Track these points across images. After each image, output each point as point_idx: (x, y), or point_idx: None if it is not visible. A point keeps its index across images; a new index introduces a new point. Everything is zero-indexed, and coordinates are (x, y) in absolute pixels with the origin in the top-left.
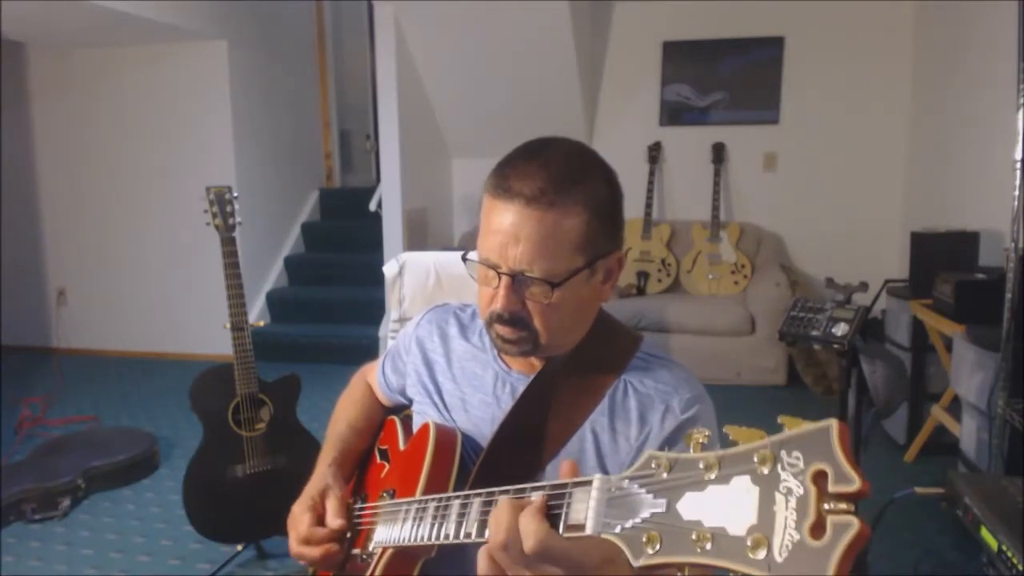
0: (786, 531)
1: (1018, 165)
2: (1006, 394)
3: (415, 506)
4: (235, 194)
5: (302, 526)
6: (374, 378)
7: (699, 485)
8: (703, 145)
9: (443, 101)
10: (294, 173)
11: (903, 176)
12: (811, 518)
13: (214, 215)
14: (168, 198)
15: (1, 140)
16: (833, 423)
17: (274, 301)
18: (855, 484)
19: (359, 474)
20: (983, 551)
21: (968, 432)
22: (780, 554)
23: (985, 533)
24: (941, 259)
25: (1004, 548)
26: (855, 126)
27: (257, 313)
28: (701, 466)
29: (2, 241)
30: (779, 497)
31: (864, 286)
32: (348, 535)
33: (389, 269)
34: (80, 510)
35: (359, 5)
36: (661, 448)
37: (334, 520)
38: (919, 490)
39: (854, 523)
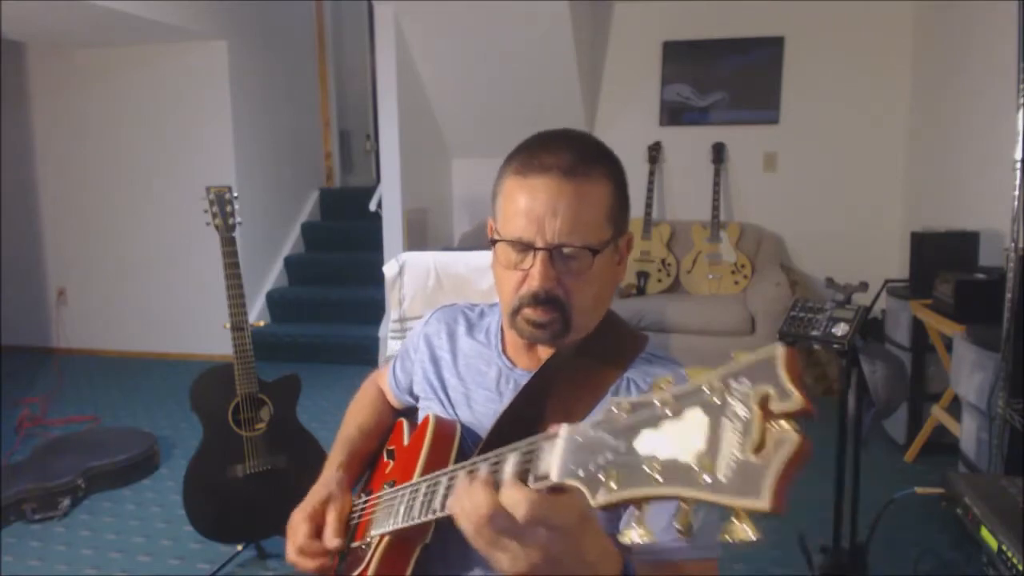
0: (731, 452)
1: (1018, 165)
2: (1006, 394)
3: (408, 490)
4: (235, 194)
5: (299, 536)
6: (385, 381)
7: (655, 422)
8: (703, 145)
9: (443, 101)
10: (294, 173)
11: (903, 176)
12: (754, 437)
13: (214, 215)
14: (168, 198)
15: (1, 140)
16: (778, 346)
17: (274, 301)
18: (796, 401)
19: (368, 475)
20: (983, 551)
21: (968, 432)
22: (724, 475)
23: (985, 533)
24: (941, 259)
25: (1004, 548)
26: (855, 126)
27: (257, 313)
28: (657, 404)
29: (2, 241)
30: (726, 422)
31: (864, 286)
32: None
33: (389, 269)
34: (80, 510)
35: (359, 5)
36: None
37: (331, 540)
38: (919, 490)
39: (793, 437)
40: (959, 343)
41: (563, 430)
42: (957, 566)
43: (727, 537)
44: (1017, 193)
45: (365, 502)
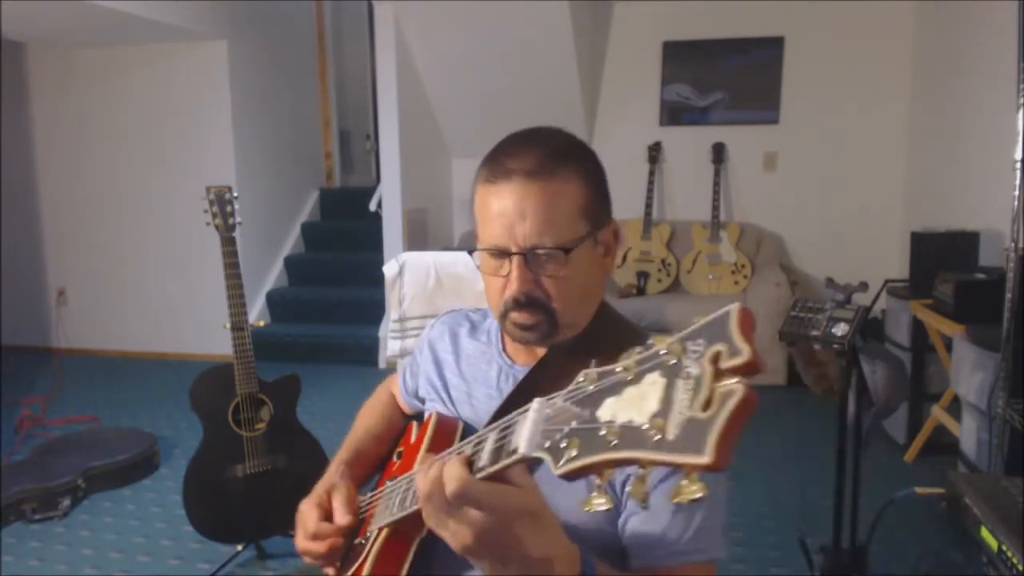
0: (681, 411)
1: (1018, 165)
2: (1006, 394)
3: (404, 482)
4: (235, 194)
5: (310, 522)
6: (396, 387)
7: (618, 388)
8: (703, 145)
9: (443, 101)
10: (294, 173)
11: (903, 176)
12: (704, 394)
13: (214, 215)
14: (168, 198)
15: (1, 140)
16: (734, 305)
17: (274, 301)
18: (744, 355)
19: (379, 479)
20: (983, 551)
21: (968, 432)
22: (672, 432)
23: (985, 533)
24: (941, 259)
25: (1004, 548)
26: (855, 126)
27: (257, 313)
28: (621, 371)
29: (2, 241)
30: (679, 382)
31: (864, 286)
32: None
33: (389, 269)
34: (80, 510)
35: (359, 5)
36: None
37: (342, 517)
38: (919, 490)
39: (738, 390)
40: (959, 343)
41: (535, 403)
42: (957, 566)
43: (677, 499)
44: (1017, 193)
45: (370, 499)
